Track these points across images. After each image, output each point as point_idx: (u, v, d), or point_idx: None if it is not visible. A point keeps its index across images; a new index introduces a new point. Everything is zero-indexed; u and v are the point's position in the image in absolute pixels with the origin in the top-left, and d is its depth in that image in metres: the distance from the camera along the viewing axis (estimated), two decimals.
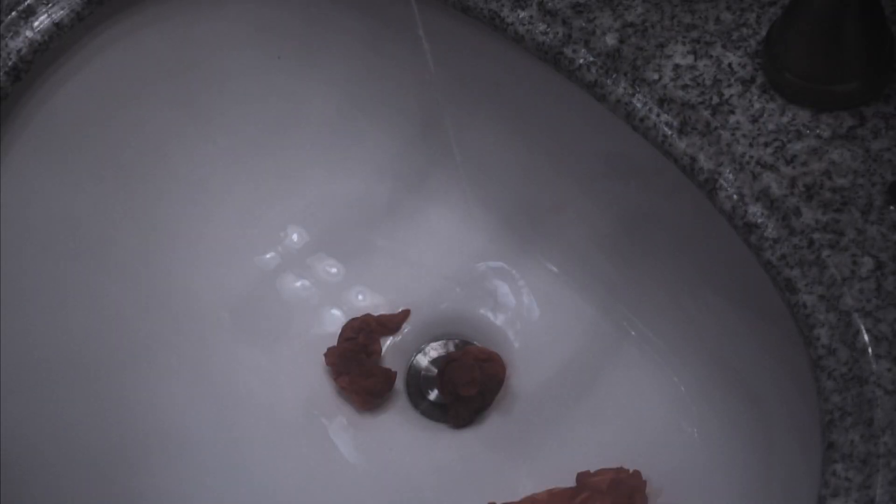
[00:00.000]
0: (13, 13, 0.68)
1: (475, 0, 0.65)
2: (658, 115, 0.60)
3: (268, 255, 0.78)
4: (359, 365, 0.73)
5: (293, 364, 0.75)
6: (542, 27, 0.63)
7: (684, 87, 0.59)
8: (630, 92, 0.61)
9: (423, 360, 0.75)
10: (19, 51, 0.68)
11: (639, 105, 0.60)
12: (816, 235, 0.54)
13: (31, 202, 0.71)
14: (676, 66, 0.60)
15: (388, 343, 0.76)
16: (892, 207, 0.54)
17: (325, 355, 0.74)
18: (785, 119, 0.58)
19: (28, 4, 0.69)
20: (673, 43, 0.61)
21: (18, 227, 0.70)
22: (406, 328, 0.76)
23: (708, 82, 0.59)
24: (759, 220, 0.56)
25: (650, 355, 0.71)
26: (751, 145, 0.57)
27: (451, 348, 0.76)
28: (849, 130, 0.57)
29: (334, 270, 0.78)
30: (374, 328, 0.76)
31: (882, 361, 0.51)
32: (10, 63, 0.68)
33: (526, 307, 0.76)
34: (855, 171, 0.56)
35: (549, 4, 0.63)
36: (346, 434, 0.73)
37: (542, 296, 0.75)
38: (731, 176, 0.57)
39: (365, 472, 0.71)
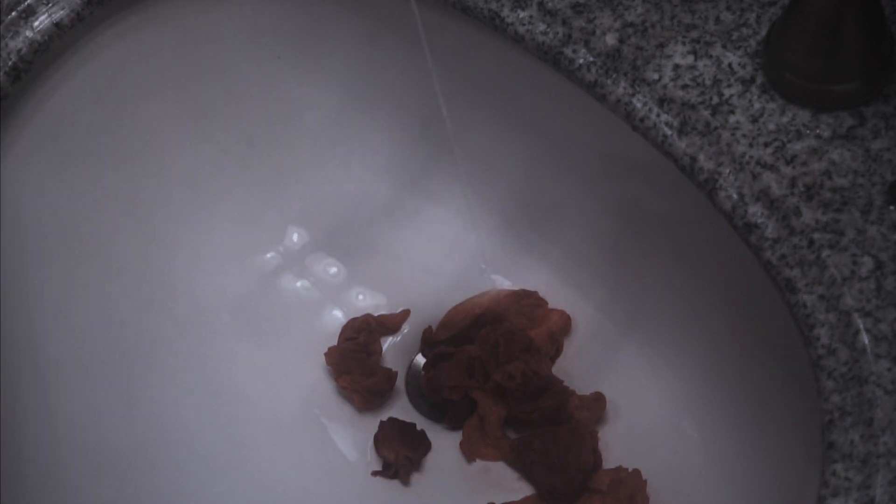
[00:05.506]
0: (13, 13, 0.68)
1: (475, 0, 0.66)
2: (658, 115, 0.60)
3: (268, 256, 0.78)
4: (359, 364, 0.73)
5: (293, 364, 0.75)
6: (542, 27, 0.63)
7: (684, 87, 0.59)
8: (630, 92, 0.61)
9: (422, 360, 0.75)
10: (19, 51, 0.68)
11: (639, 105, 0.60)
12: (816, 235, 0.54)
13: (31, 202, 0.71)
14: (676, 66, 0.60)
15: (388, 343, 0.76)
16: (892, 207, 0.54)
17: (326, 355, 0.74)
18: (785, 119, 0.58)
19: (28, 4, 0.69)
20: (673, 43, 0.61)
21: (18, 227, 0.70)
22: (406, 328, 0.76)
23: (708, 82, 0.59)
24: (759, 220, 0.56)
25: (650, 355, 0.71)
26: (751, 145, 0.57)
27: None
28: (849, 130, 0.57)
29: (334, 270, 0.78)
30: (375, 328, 0.76)
31: (882, 361, 0.51)
32: (10, 63, 0.68)
33: None
34: (855, 171, 0.56)
35: (549, 4, 0.63)
36: (346, 433, 0.73)
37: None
38: (731, 176, 0.57)
39: (365, 471, 0.71)
